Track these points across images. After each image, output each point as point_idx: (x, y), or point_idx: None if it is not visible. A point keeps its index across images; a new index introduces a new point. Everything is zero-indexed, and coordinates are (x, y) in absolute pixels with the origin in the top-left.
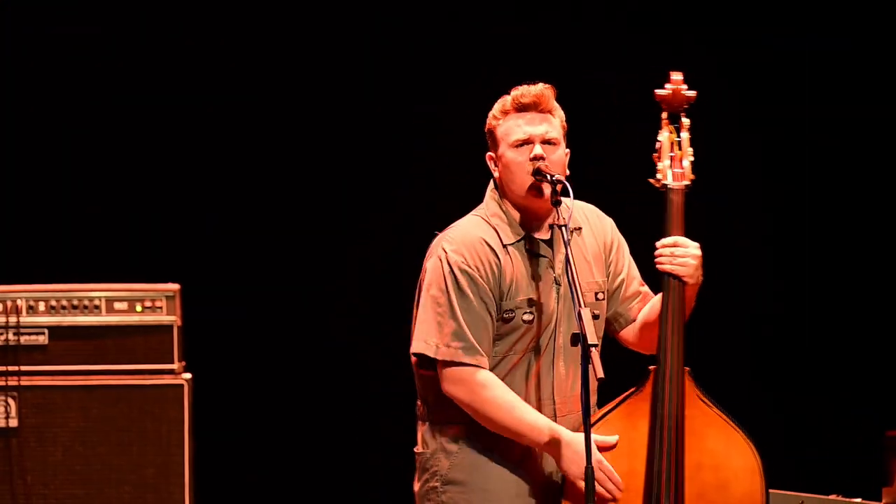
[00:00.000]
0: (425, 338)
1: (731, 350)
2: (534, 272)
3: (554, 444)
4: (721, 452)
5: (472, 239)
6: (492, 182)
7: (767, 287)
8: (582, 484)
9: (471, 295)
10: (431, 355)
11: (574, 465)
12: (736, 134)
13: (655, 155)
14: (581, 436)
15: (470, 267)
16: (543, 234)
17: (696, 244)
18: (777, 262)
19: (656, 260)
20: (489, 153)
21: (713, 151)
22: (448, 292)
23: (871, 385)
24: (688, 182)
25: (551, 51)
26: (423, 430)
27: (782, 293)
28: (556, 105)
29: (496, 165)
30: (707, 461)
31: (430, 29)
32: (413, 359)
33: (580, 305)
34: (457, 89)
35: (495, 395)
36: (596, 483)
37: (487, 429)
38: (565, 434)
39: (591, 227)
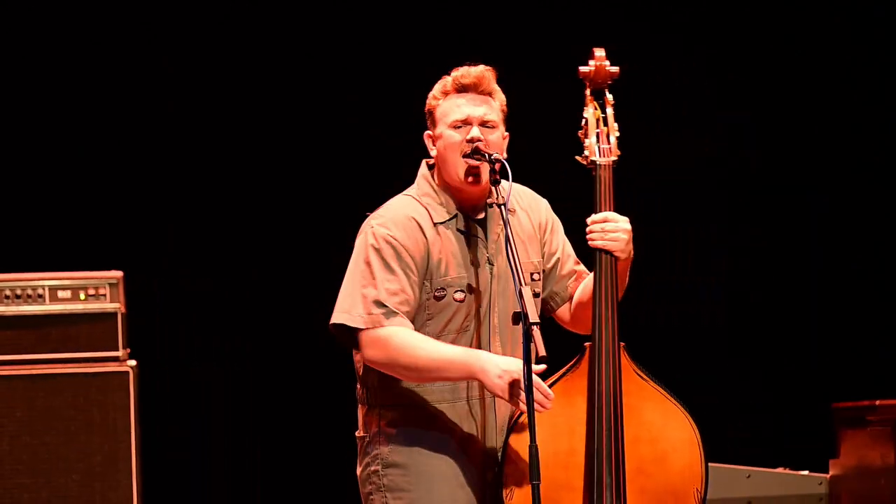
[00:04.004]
0: (349, 309)
1: (670, 325)
2: (466, 251)
3: (477, 369)
4: (658, 425)
5: (399, 216)
6: (423, 163)
7: (702, 257)
8: (514, 400)
9: (395, 266)
10: (353, 325)
11: (497, 384)
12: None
13: (581, 132)
14: (510, 359)
15: (395, 240)
16: (476, 214)
17: (626, 219)
18: (715, 233)
19: (588, 236)
20: (427, 132)
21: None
22: (370, 264)
23: (816, 356)
24: (615, 158)
25: (477, 29)
26: (362, 414)
27: (717, 263)
28: (497, 88)
29: (433, 145)
30: (644, 434)
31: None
32: (337, 336)
33: (521, 283)
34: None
35: (405, 340)
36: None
37: (425, 409)
38: (484, 355)
39: (525, 209)
